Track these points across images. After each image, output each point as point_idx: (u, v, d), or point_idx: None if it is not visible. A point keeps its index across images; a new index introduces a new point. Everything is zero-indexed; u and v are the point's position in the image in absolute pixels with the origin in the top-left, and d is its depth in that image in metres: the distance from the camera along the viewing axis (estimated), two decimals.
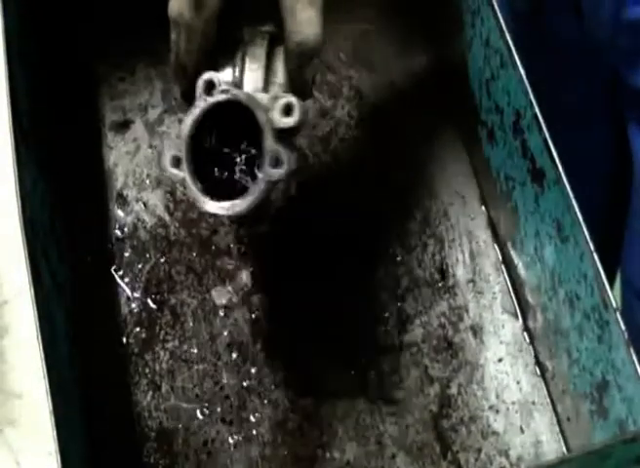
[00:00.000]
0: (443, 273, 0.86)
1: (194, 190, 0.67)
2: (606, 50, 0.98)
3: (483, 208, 0.89)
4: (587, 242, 0.69)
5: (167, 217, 0.89)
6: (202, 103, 0.68)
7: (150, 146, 0.91)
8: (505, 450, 0.80)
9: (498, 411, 0.81)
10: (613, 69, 1.01)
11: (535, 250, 0.80)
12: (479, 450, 0.80)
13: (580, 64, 1.06)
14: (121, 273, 0.86)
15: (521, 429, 0.81)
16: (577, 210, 0.70)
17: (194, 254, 0.87)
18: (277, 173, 0.66)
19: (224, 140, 0.69)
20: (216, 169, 0.69)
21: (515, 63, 0.76)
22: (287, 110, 0.68)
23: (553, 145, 0.72)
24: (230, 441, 0.80)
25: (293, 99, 0.69)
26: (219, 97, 0.68)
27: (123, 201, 0.89)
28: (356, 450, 0.80)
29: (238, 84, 0.70)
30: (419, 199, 0.89)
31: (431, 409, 0.81)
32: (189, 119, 0.68)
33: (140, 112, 0.93)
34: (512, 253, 0.85)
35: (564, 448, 0.80)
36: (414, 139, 0.92)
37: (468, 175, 0.90)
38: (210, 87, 0.68)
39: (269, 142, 0.66)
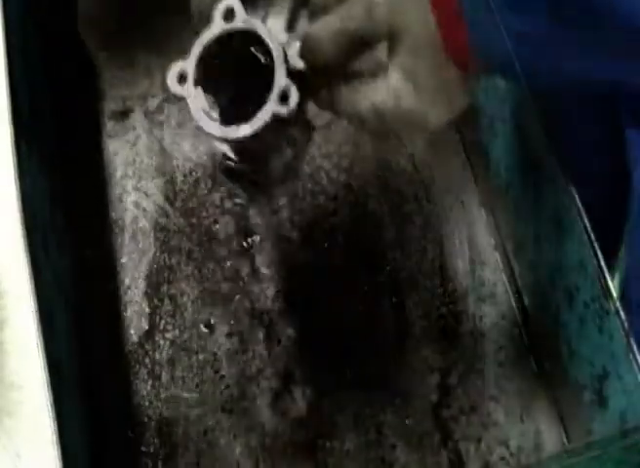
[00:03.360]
0: (443, 277, 0.86)
1: (197, 110, 0.64)
2: None
3: (482, 211, 0.89)
4: (589, 236, 0.69)
5: (167, 207, 0.88)
6: (217, 28, 0.65)
7: (150, 135, 0.91)
8: (505, 440, 0.80)
9: (498, 401, 0.81)
10: None
11: (534, 249, 0.79)
12: (479, 440, 0.80)
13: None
14: (121, 262, 0.86)
15: (521, 419, 0.81)
16: (576, 209, 0.70)
17: (194, 244, 0.87)
18: (284, 108, 0.63)
19: (233, 71, 0.67)
20: (221, 97, 0.66)
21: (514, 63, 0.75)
22: None
23: (553, 145, 0.72)
24: (230, 430, 0.80)
25: None
26: (237, 24, 0.65)
27: (123, 190, 0.89)
28: (356, 440, 0.80)
29: None
30: (419, 203, 0.89)
31: (431, 399, 0.81)
32: (202, 39, 0.65)
33: (140, 101, 0.93)
34: (512, 254, 0.85)
35: (564, 438, 0.80)
36: (413, 143, 0.91)
37: (468, 179, 0.90)
38: (229, 14, 0.65)
39: (280, 76, 0.63)
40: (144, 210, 0.88)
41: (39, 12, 0.89)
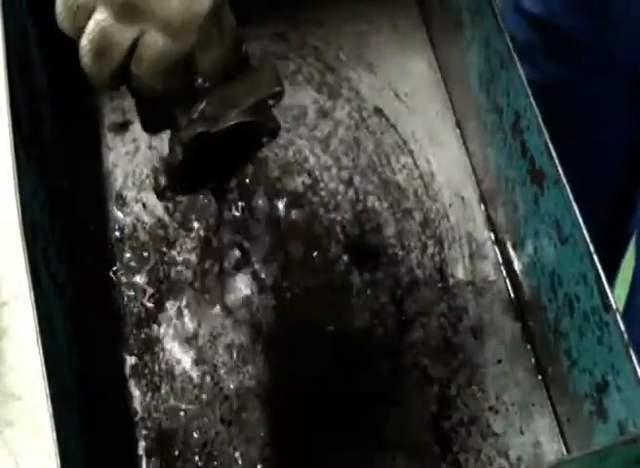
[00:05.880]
0: (442, 274, 0.86)
1: None
2: (629, 50, 0.98)
3: (483, 208, 0.89)
4: (587, 243, 0.69)
5: (166, 218, 0.88)
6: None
7: (150, 147, 0.91)
8: (505, 451, 0.80)
9: (497, 412, 0.81)
10: (633, 69, 1.00)
11: (534, 250, 0.79)
12: (479, 451, 0.80)
13: (596, 66, 1.05)
14: (120, 274, 0.86)
15: (521, 430, 0.81)
16: (576, 210, 0.70)
17: (193, 255, 0.87)
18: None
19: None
20: None
21: (515, 64, 0.76)
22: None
23: (553, 146, 0.72)
24: (230, 442, 0.80)
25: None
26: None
27: (122, 202, 0.89)
28: (356, 451, 0.80)
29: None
30: (418, 200, 0.89)
31: (431, 410, 0.81)
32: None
33: None
34: (512, 253, 0.85)
35: (564, 450, 0.80)
36: (413, 140, 0.92)
37: (468, 176, 0.90)
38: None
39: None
40: (144, 221, 0.88)
41: (38, 23, 0.89)
